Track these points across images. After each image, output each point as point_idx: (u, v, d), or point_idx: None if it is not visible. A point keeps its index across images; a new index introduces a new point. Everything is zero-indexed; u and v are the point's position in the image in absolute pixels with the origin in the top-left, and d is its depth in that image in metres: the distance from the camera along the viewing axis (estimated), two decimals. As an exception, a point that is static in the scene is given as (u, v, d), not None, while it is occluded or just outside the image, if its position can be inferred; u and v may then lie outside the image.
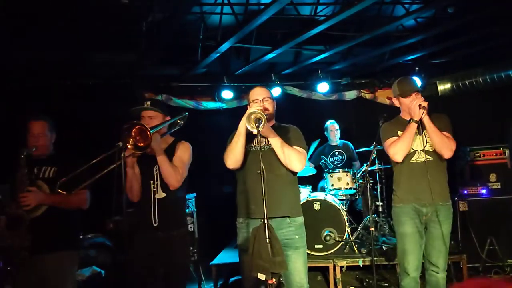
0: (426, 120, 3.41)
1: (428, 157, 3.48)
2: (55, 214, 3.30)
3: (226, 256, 5.68)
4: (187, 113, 3.55)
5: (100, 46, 5.52)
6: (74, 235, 3.60)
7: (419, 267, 3.53)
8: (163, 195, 3.24)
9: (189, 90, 6.92)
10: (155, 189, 3.25)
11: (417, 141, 3.52)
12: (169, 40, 5.14)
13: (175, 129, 3.46)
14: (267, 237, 2.78)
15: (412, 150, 3.52)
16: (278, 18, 4.96)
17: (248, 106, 3.32)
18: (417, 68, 6.74)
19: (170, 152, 3.30)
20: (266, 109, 3.21)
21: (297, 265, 3.19)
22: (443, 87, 7.18)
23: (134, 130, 3.04)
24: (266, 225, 2.79)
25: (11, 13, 4.42)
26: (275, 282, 2.81)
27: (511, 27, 5.11)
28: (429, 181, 3.39)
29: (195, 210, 5.79)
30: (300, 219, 3.28)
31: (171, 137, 3.46)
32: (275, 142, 3.15)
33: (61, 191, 3.11)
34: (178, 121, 3.45)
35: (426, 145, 3.50)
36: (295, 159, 3.17)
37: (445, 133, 3.46)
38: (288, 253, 3.14)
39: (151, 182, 3.26)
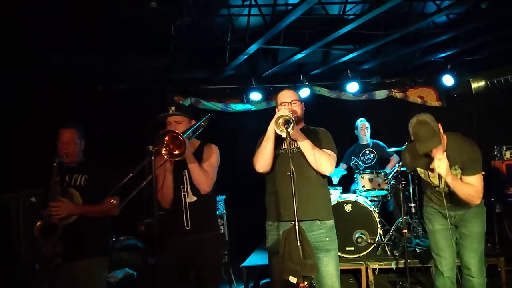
0: (449, 182, 3.26)
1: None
2: (86, 221, 3.36)
3: (257, 258, 5.67)
4: (209, 114, 3.54)
5: (130, 51, 5.60)
6: (104, 241, 3.66)
7: (453, 267, 3.50)
8: (194, 199, 3.26)
9: (218, 93, 6.95)
10: (185, 193, 3.27)
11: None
12: (197, 43, 5.16)
13: (199, 132, 3.45)
14: (298, 239, 2.76)
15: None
16: (306, 18, 4.92)
17: (276, 109, 3.30)
18: (449, 66, 6.57)
19: (198, 156, 3.31)
20: (294, 111, 3.19)
21: (329, 268, 3.14)
22: (477, 84, 6.98)
23: (166, 137, 3.04)
24: (297, 227, 2.77)
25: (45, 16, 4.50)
26: (307, 286, 2.78)
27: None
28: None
29: (225, 212, 5.81)
30: (331, 222, 3.23)
31: (198, 141, 3.46)
32: (305, 145, 3.12)
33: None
34: (203, 123, 3.45)
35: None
36: (325, 161, 3.14)
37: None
38: (319, 256, 3.10)
39: (181, 186, 3.28)
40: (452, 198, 3.42)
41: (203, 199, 3.28)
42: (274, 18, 4.65)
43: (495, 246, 5.16)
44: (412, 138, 3.30)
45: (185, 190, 3.28)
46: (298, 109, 3.26)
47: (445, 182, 3.32)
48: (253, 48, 5.03)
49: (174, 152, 3.04)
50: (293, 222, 2.79)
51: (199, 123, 3.39)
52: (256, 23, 5.07)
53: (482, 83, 6.96)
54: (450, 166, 3.28)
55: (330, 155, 3.19)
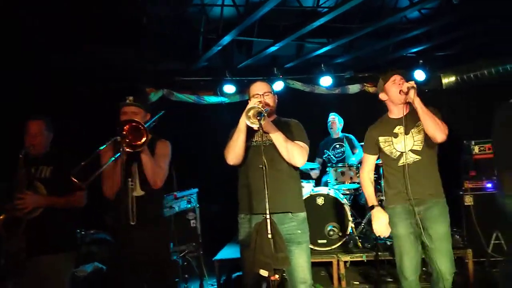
0: (417, 102, 3.17)
1: (416, 156, 3.29)
2: (52, 214, 3.29)
3: (229, 252, 5.64)
4: (164, 111, 3.43)
5: (100, 42, 5.46)
6: (71, 234, 3.58)
7: (417, 270, 3.36)
8: (142, 193, 3.16)
9: (191, 85, 6.87)
10: (133, 186, 3.17)
11: (404, 142, 3.30)
12: (170, 34, 5.08)
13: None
14: (269, 232, 2.74)
15: (399, 153, 3.32)
16: (280, 10, 4.90)
17: (248, 101, 3.27)
18: (421, 61, 6.66)
19: (150, 151, 3.20)
20: (266, 104, 3.16)
21: (301, 261, 3.14)
22: (447, 80, 7.11)
23: (126, 127, 2.95)
24: (268, 220, 2.75)
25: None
26: (278, 279, 2.77)
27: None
28: (419, 179, 3.24)
29: (198, 205, 5.75)
30: (303, 214, 3.22)
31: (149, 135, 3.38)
32: (277, 137, 3.10)
33: (75, 180, 2.99)
34: (157, 119, 3.37)
35: (414, 145, 3.30)
36: (297, 154, 3.13)
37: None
38: (291, 248, 3.09)
39: (129, 180, 3.17)
40: (415, 178, 3.25)
41: (151, 194, 3.19)
42: (248, 9, 4.60)
43: (463, 238, 5.27)
44: (381, 84, 3.39)
45: (133, 183, 3.17)
46: (271, 101, 3.23)
47: (411, 149, 3.26)
48: (226, 39, 4.97)
49: (134, 143, 2.96)
50: (265, 215, 2.77)
51: (156, 117, 3.31)
52: (230, 14, 5.02)
53: (453, 78, 7.10)
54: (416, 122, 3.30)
55: (302, 147, 3.18)
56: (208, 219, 6.06)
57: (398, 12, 4.75)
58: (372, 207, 3.41)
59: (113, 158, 2.98)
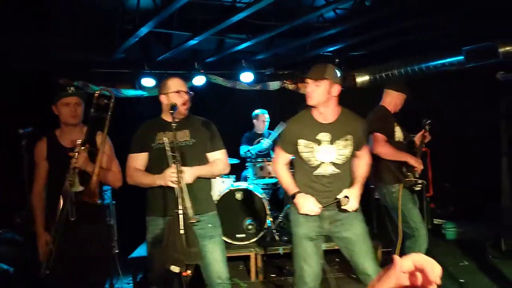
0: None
1: (336, 170, 3.12)
2: None
3: (146, 249, 5.50)
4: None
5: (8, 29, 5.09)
6: None
7: (319, 276, 3.18)
8: (81, 188, 3.04)
9: (108, 77, 6.60)
10: (72, 182, 3.04)
11: (326, 152, 3.10)
12: (84, 24, 4.85)
13: None
14: (181, 228, 2.72)
15: (318, 162, 3.11)
16: (199, 4, 4.84)
17: (161, 96, 3.25)
18: (337, 60, 6.89)
19: (92, 144, 3.15)
20: (184, 103, 3.20)
21: (215, 255, 3.16)
22: (361, 79, 7.42)
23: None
24: (181, 216, 2.73)
25: None
26: (190, 274, 2.75)
27: (426, 21, 5.33)
28: (332, 190, 3.12)
29: (113, 202, 5.56)
30: (213, 212, 3.28)
31: (85, 126, 3.25)
32: (203, 174, 3.19)
33: None
34: None
35: (336, 158, 3.12)
36: (221, 171, 3.30)
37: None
38: (204, 243, 3.10)
39: (67, 175, 3.05)
40: (328, 188, 3.13)
41: (90, 189, 3.08)
42: (165, 0, 4.50)
43: (373, 230, 5.56)
44: None
45: (72, 179, 3.04)
46: (186, 100, 3.23)
47: (332, 162, 3.09)
48: (143, 30, 4.82)
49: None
50: (177, 211, 2.75)
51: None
52: (147, 4, 4.87)
53: (367, 77, 7.41)
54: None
55: (224, 161, 3.29)
56: (124, 216, 5.88)
57: (314, 11, 4.86)
58: (294, 195, 3.13)
59: None
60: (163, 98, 3.25)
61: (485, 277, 4.92)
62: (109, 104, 3.05)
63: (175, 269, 2.67)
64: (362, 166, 3.24)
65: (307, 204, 3.06)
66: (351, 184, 3.17)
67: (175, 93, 3.18)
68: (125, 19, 5.11)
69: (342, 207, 3.03)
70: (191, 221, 2.84)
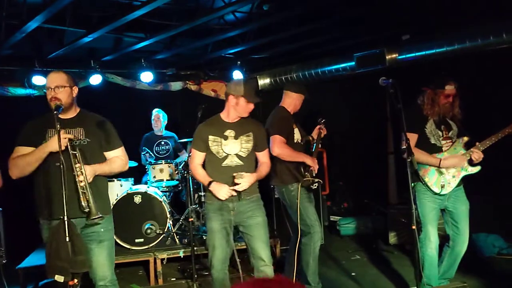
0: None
1: (239, 162, 3.59)
2: None
3: (37, 258, 5.17)
4: None
5: None
6: None
7: (226, 261, 3.64)
8: None
9: (-8, 74, 6.10)
10: None
11: (231, 146, 3.59)
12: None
13: None
14: (67, 235, 2.59)
15: (225, 154, 3.57)
16: (95, 0, 4.64)
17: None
18: (238, 62, 6.98)
19: None
20: (57, 99, 3.01)
21: (100, 259, 3.09)
22: (263, 81, 7.61)
23: None
24: (66, 222, 2.60)
25: None
26: (76, 283, 2.63)
27: (323, 27, 5.57)
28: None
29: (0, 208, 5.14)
30: (109, 214, 3.16)
31: None
32: (102, 172, 3.14)
33: None
34: None
35: (240, 150, 3.60)
36: (120, 168, 3.26)
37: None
38: (91, 247, 3.02)
39: None
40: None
41: None
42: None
43: (273, 228, 5.69)
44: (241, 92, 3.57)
45: None
46: (64, 95, 3.05)
47: (237, 154, 3.57)
48: (31, 26, 4.52)
49: None
50: (62, 217, 2.61)
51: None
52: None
53: (268, 80, 7.62)
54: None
55: (122, 158, 3.26)
56: (13, 222, 5.45)
57: (213, 13, 4.88)
58: (210, 183, 3.52)
59: None
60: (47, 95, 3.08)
61: (374, 268, 5.27)
62: None
63: (59, 278, 2.53)
64: (263, 166, 3.75)
65: (222, 189, 3.47)
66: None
67: (48, 90, 3.05)
68: (11, 13, 4.74)
69: (235, 181, 3.45)
70: (95, 217, 2.86)
